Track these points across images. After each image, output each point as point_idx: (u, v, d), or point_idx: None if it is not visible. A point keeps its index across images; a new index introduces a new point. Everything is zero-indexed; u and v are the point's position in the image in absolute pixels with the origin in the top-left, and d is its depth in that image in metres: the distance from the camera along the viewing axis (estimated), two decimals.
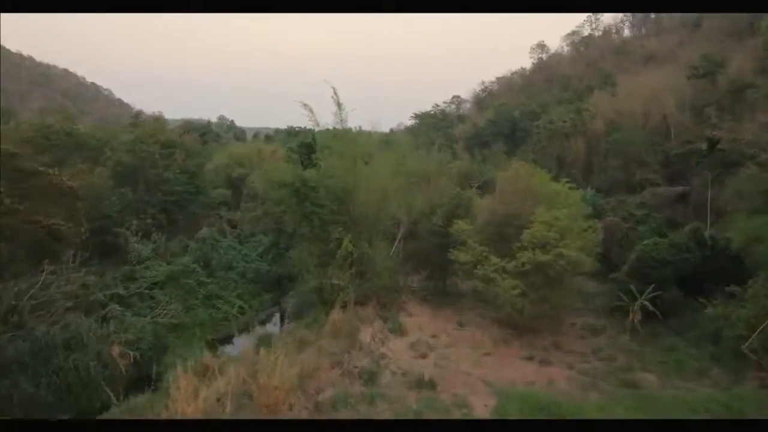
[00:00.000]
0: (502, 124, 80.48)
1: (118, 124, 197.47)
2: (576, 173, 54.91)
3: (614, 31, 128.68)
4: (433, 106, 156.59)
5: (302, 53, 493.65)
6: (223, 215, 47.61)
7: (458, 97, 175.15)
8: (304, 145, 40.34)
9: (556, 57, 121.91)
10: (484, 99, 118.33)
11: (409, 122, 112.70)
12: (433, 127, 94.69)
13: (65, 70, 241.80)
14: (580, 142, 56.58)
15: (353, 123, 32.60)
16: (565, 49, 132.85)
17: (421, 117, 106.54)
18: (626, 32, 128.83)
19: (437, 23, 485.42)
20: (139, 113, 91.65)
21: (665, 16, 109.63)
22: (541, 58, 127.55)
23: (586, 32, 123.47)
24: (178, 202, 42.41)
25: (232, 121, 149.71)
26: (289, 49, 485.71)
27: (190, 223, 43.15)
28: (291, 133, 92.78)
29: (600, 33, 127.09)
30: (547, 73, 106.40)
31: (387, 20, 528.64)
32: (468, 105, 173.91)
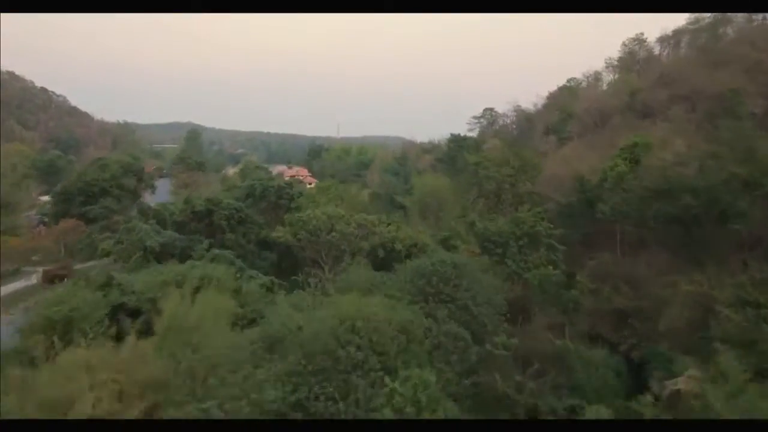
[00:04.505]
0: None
1: (69, 137, 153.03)
2: None
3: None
4: (469, 123, 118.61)
5: (302, 54, 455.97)
6: None
7: (491, 110, 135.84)
8: None
9: (659, 59, 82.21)
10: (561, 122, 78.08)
11: (423, 138, 73.94)
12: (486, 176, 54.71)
13: (11, 73, 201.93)
14: None
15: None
16: (656, 48, 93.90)
17: (458, 144, 66.36)
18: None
19: (446, 24, 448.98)
20: None
21: None
22: (631, 61, 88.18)
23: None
24: None
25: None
26: (287, 49, 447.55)
27: None
28: (254, 191, 52.72)
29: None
30: (673, 86, 65.99)
31: (387, 21, 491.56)
32: (506, 120, 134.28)
